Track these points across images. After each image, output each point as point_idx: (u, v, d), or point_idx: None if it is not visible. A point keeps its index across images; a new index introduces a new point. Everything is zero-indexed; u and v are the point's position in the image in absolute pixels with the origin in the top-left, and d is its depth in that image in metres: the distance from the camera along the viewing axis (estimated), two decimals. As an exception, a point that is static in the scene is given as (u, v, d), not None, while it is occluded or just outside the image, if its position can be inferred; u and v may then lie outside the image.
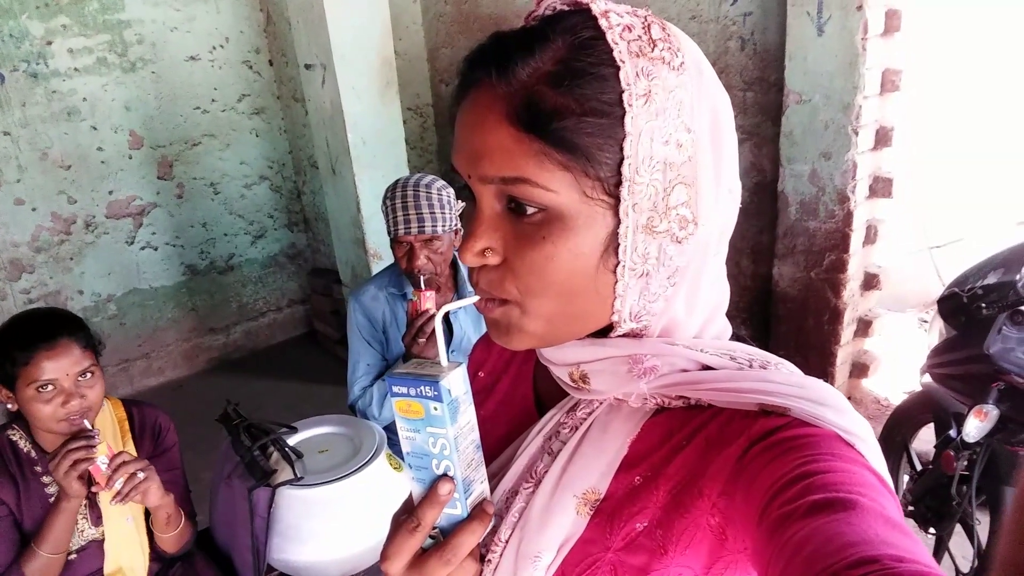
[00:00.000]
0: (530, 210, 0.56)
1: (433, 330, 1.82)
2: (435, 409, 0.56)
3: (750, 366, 0.60)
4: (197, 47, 4.04)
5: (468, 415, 0.59)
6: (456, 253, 0.61)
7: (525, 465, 0.66)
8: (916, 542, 0.46)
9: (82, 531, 1.56)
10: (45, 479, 1.54)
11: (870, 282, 2.98)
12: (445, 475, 0.58)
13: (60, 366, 1.45)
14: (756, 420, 0.57)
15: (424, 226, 1.84)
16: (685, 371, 0.60)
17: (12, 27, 3.46)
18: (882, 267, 2.98)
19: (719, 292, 0.65)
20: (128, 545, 1.61)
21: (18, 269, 3.72)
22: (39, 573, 1.48)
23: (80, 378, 1.49)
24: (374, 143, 3.44)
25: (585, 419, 0.64)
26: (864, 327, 3.06)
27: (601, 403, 0.64)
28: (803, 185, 2.83)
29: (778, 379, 0.58)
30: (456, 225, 1.94)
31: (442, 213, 1.87)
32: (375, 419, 2.03)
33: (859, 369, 3.14)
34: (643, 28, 0.55)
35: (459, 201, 1.95)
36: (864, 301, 3.04)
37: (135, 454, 1.64)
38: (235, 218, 4.39)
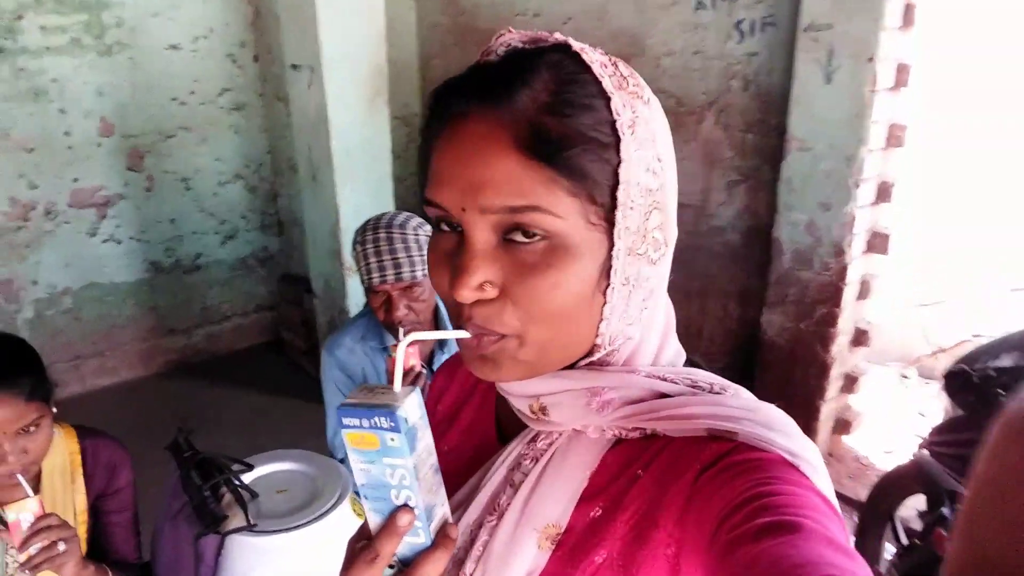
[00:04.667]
0: (532, 238, 0.56)
1: (419, 382, 1.68)
2: (392, 440, 0.54)
3: (711, 390, 0.61)
4: (179, 35, 3.87)
5: (425, 439, 0.57)
6: (455, 291, 0.56)
7: (489, 497, 0.66)
8: (860, 564, 0.46)
9: (13, 571, 1.39)
10: None
11: (859, 338, 2.91)
12: (405, 505, 0.56)
13: None
14: (705, 446, 0.57)
15: (402, 272, 1.67)
16: (641, 401, 0.61)
17: (-18, -2, 3.27)
18: (872, 323, 2.92)
19: (669, 314, 0.68)
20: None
21: (-32, 254, 3.51)
22: None
23: (21, 433, 1.30)
24: (359, 153, 3.30)
25: (546, 450, 0.65)
26: (850, 383, 2.99)
27: (561, 434, 0.64)
28: (799, 234, 2.75)
29: (730, 403, 0.59)
30: None
31: (420, 256, 1.70)
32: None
33: (841, 425, 3.07)
34: (613, 65, 0.58)
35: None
36: (852, 356, 2.97)
37: (84, 493, 1.48)
38: (206, 216, 4.21)
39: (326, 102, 3.13)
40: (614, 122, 0.56)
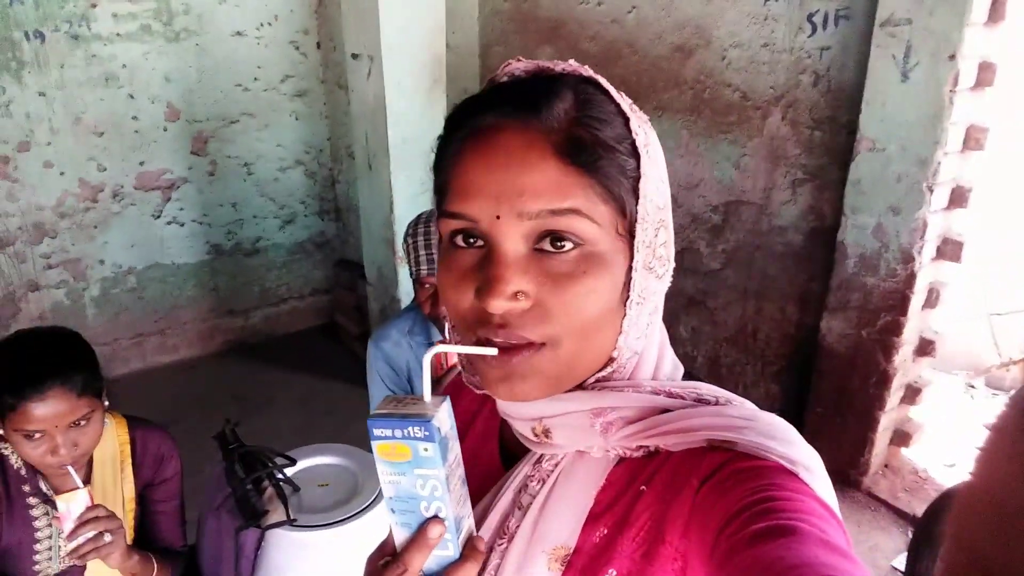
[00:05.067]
0: (566, 246, 0.56)
1: (450, 376, 1.66)
2: (425, 450, 0.53)
3: (715, 403, 0.62)
4: (244, 23, 3.92)
5: (455, 450, 0.57)
6: (486, 302, 0.55)
7: (498, 521, 0.66)
8: (856, 564, 0.46)
9: (63, 558, 1.44)
10: (32, 500, 1.42)
11: (924, 348, 2.77)
12: (435, 517, 0.56)
13: (49, 417, 1.29)
14: (705, 458, 0.58)
15: None
16: (642, 419, 0.61)
17: (57, -14, 3.37)
18: (939, 333, 2.78)
19: (663, 328, 0.69)
20: (108, 573, 1.49)
21: (41, 233, 3.65)
22: None
23: (73, 426, 1.33)
24: (415, 142, 3.29)
25: (552, 471, 0.65)
26: (912, 394, 2.86)
27: (565, 455, 0.65)
28: (866, 238, 2.63)
29: (730, 413, 0.60)
30: None
31: None
32: None
33: (900, 437, 2.94)
34: (617, 90, 0.61)
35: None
36: (915, 367, 2.83)
37: (132, 481, 1.51)
38: (266, 201, 4.28)
39: (384, 91, 3.14)
40: (633, 140, 0.59)
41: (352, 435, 1.86)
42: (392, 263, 3.46)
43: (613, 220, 0.58)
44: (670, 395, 0.62)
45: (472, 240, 0.59)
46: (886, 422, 2.85)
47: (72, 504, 1.30)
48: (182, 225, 4.03)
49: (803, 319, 3.04)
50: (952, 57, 2.24)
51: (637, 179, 0.59)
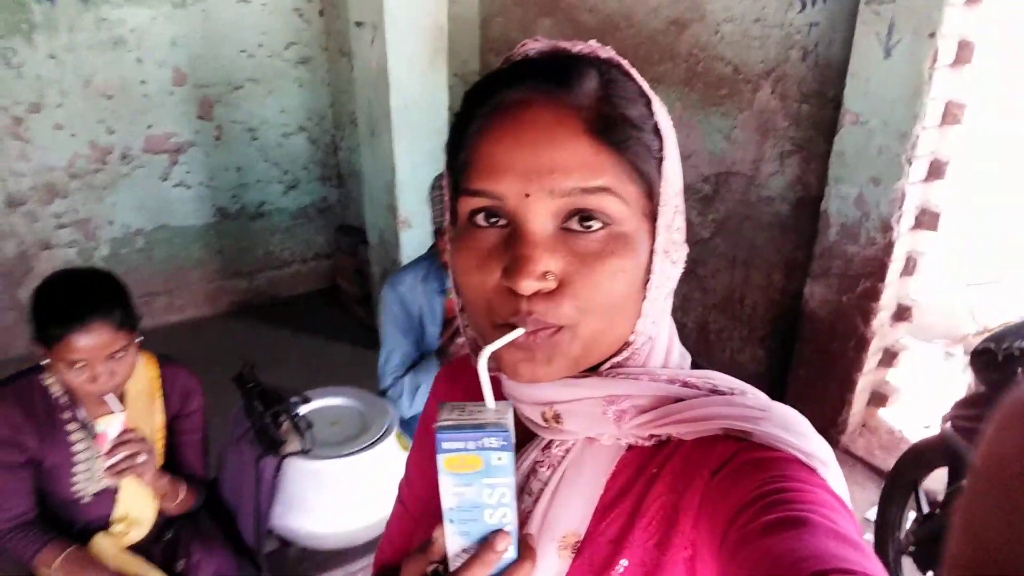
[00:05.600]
0: (594, 226, 0.56)
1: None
2: (499, 459, 0.52)
3: (731, 393, 0.61)
4: (249, -11, 3.99)
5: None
6: (515, 282, 0.54)
7: None
8: (868, 556, 0.46)
9: (99, 479, 1.58)
10: (70, 427, 1.56)
11: (902, 314, 2.92)
12: (499, 529, 0.54)
13: (91, 348, 1.41)
14: (718, 446, 0.57)
15: None
16: (654, 408, 0.61)
17: (67, -50, 3.44)
18: (916, 300, 2.92)
19: (671, 319, 0.69)
20: (138, 497, 1.63)
21: (52, 193, 3.75)
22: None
23: (111, 357, 1.45)
24: (417, 109, 3.39)
25: (563, 457, 0.64)
26: (889, 357, 3.01)
27: (576, 441, 0.64)
28: (848, 208, 2.76)
29: (745, 403, 0.59)
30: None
31: None
32: (404, 409, 2.01)
33: (878, 398, 3.10)
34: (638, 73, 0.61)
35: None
36: (893, 331, 2.98)
37: (162, 413, 1.65)
38: (270, 166, 4.38)
39: (387, 58, 3.23)
40: (656, 121, 0.58)
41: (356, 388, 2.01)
42: (394, 227, 3.57)
43: (640, 201, 0.57)
44: (685, 384, 0.62)
45: (494, 219, 0.57)
46: (864, 384, 3.00)
47: (110, 427, 1.44)
48: (189, 188, 4.14)
49: (788, 286, 3.18)
50: (932, 35, 2.36)
51: (661, 160, 0.58)
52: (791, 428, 0.57)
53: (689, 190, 3.54)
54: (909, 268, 2.84)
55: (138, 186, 3.97)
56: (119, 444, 1.43)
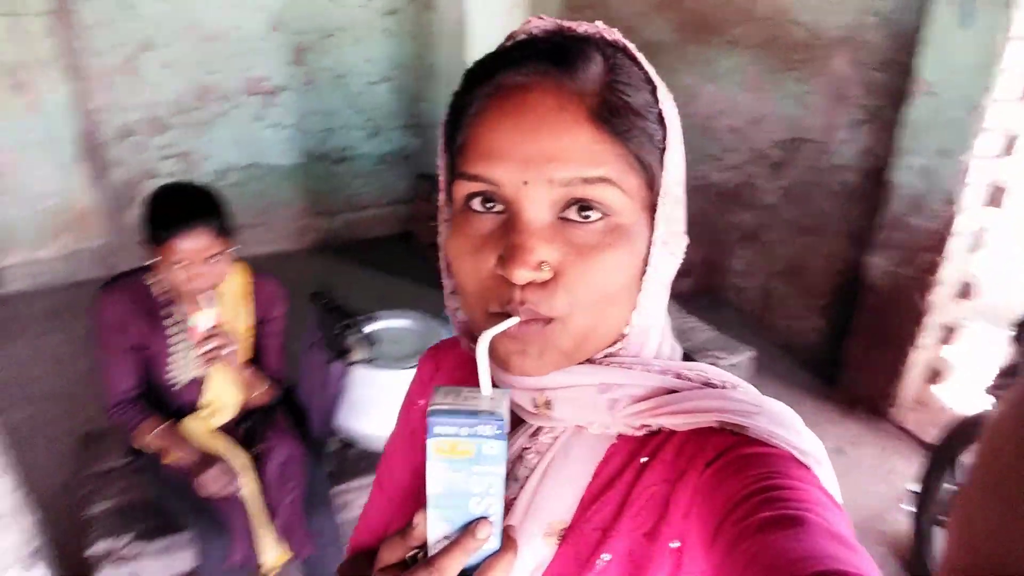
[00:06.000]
0: (592, 216, 0.55)
1: None
2: (491, 448, 0.51)
3: (724, 387, 0.61)
4: (344, -59, 4.18)
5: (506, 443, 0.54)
6: (509, 271, 0.54)
7: None
8: (862, 555, 0.47)
9: (191, 368, 1.82)
10: (168, 321, 1.80)
11: (964, 291, 2.91)
12: (482, 516, 0.53)
13: (192, 249, 1.63)
14: (711, 439, 0.57)
15: None
16: (649, 398, 0.60)
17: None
18: (978, 276, 2.90)
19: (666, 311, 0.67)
20: (224, 386, 1.87)
21: (157, 128, 4.07)
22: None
23: (209, 260, 1.66)
24: (495, 63, 3.51)
25: (550, 444, 0.63)
26: (947, 334, 3.00)
27: (564, 430, 0.63)
28: (913, 179, 2.76)
29: (739, 398, 0.58)
30: None
31: None
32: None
33: (932, 374, 3.10)
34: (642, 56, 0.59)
35: None
36: (955, 308, 2.97)
37: (250, 315, 1.88)
38: (355, 113, 4.60)
39: (466, 10, 3.35)
40: (660, 110, 0.57)
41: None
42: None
43: (640, 191, 0.56)
44: (678, 376, 0.61)
45: (490, 204, 0.56)
46: (918, 359, 3.01)
47: (202, 320, 1.66)
48: (281, 129, 4.41)
49: (852, 256, 3.19)
50: (1008, 5, 2.33)
51: (663, 150, 0.57)
52: (785, 424, 0.56)
53: (758, 154, 3.56)
54: (974, 244, 2.82)
55: (234, 125, 4.26)
56: (209, 336, 1.66)
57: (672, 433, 0.60)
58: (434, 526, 0.54)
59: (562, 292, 0.55)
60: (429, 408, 0.51)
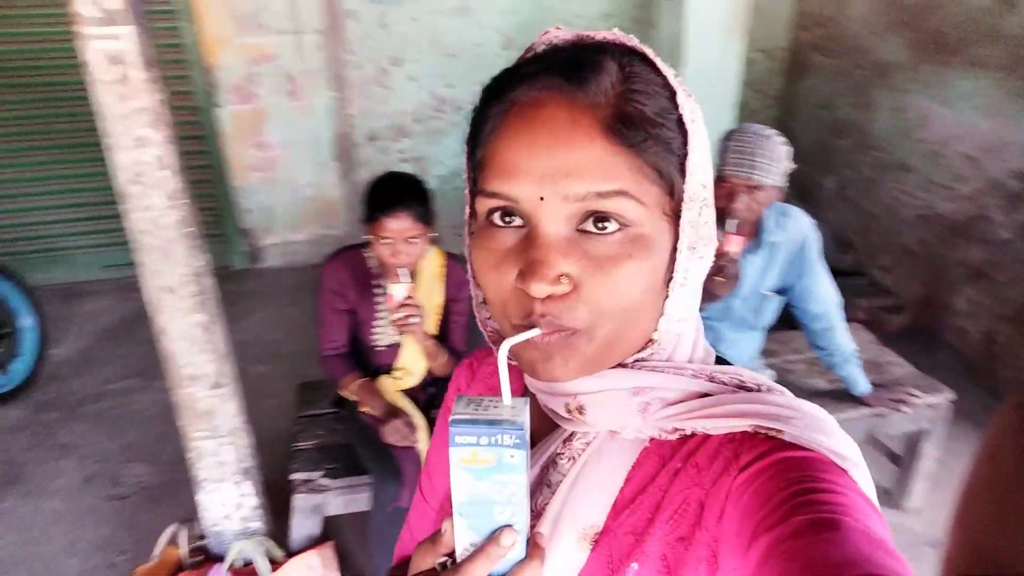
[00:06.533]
0: (610, 228, 0.55)
1: (730, 269, 1.96)
2: (511, 457, 0.52)
3: (759, 389, 0.61)
4: (577, -36, 4.43)
5: (529, 452, 0.55)
6: (528, 285, 0.55)
7: None
8: (901, 561, 0.46)
9: (391, 333, 2.12)
10: (376, 291, 2.11)
11: None
12: (507, 524, 0.54)
13: (395, 229, 1.91)
14: (746, 443, 0.57)
15: (754, 173, 1.94)
16: (680, 401, 0.60)
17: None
18: None
19: (698, 315, 0.67)
20: (414, 354, 2.15)
21: (399, 133, 4.61)
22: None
23: (408, 240, 1.94)
24: (708, 79, 3.55)
25: (583, 450, 0.63)
26: None
27: (597, 434, 0.63)
28: None
29: (775, 401, 0.58)
30: (782, 183, 1.97)
31: (775, 166, 1.95)
32: None
33: None
34: (662, 61, 0.59)
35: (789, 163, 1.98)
36: None
37: (442, 293, 2.14)
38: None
39: (684, 26, 3.43)
40: (680, 115, 0.57)
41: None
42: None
43: (660, 200, 0.56)
44: (711, 379, 0.61)
45: (510, 219, 0.57)
46: None
47: (397, 292, 1.93)
48: (503, 138, 4.77)
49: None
50: None
51: (684, 156, 0.57)
52: (821, 428, 0.56)
53: (995, 185, 3.26)
54: None
55: (464, 135, 4.67)
56: (401, 306, 1.93)
57: (706, 437, 0.59)
58: (460, 534, 0.55)
59: (582, 304, 0.55)
60: (450, 418, 0.52)
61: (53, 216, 4.36)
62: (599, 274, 0.55)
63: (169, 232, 1.77)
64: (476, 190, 0.59)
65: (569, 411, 0.62)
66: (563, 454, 0.64)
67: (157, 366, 2.16)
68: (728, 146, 1.99)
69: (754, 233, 2.15)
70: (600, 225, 0.55)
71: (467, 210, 0.65)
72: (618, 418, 0.61)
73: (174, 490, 2.77)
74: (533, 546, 0.56)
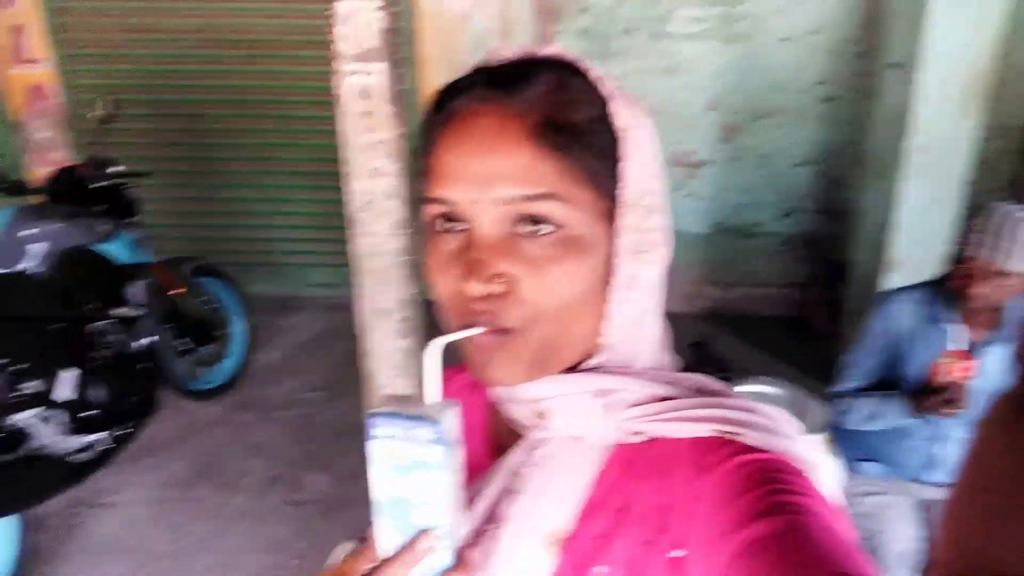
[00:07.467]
0: (544, 230, 0.57)
1: (958, 397, 1.82)
2: (431, 454, 0.52)
3: (715, 394, 0.62)
4: (794, 29, 4.31)
5: (458, 456, 0.55)
6: (465, 285, 0.58)
7: (487, 506, 0.64)
8: (863, 560, 0.48)
9: None
10: None
11: None
12: (429, 527, 0.54)
13: None
14: (707, 447, 0.58)
15: (1007, 259, 1.78)
16: (644, 404, 0.61)
17: (651, -8, 4.24)
18: None
19: (662, 323, 0.68)
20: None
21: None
22: None
23: None
24: (937, 153, 3.30)
25: (547, 457, 0.64)
26: None
27: (561, 441, 0.64)
28: None
29: (734, 405, 0.60)
30: None
31: None
32: (847, 422, 2.08)
33: None
34: (604, 75, 0.62)
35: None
36: None
37: None
38: (772, 192, 4.67)
39: (914, 99, 3.22)
40: (612, 123, 0.60)
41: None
42: (879, 268, 3.54)
43: (595, 203, 0.58)
44: (669, 383, 0.62)
45: (453, 224, 0.60)
46: None
47: None
48: (697, 200, 4.69)
49: None
50: None
51: (617, 162, 0.59)
52: (779, 430, 0.58)
53: None
54: None
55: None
56: None
57: (670, 441, 0.60)
58: (384, 535, 0.55)
59: (518, 304, 0.58)
60: (372, 411, 0.52)
61: (275, 234, 4.83)
62: (533, 274, 0.57)
63: (389, 258, 1.87)
64: (421, 198, 0.62)
65: (532, 418, 0.64)
66: (527, 462, 0.64)
67: (345, 382, 2.28)
68: (979, 225, 1.82)
69: (995, 322, 1.95)
70: (533, 228, 0.57)
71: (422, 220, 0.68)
72: (581, 422, 0.62)
73: (350, 505, 2.88)
74: (464, 559, 0.56)
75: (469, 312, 0.58)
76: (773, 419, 0.59)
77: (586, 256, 0.58)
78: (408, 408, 0.53)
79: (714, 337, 2.24)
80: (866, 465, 2.09)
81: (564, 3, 4.31)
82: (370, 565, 0.55)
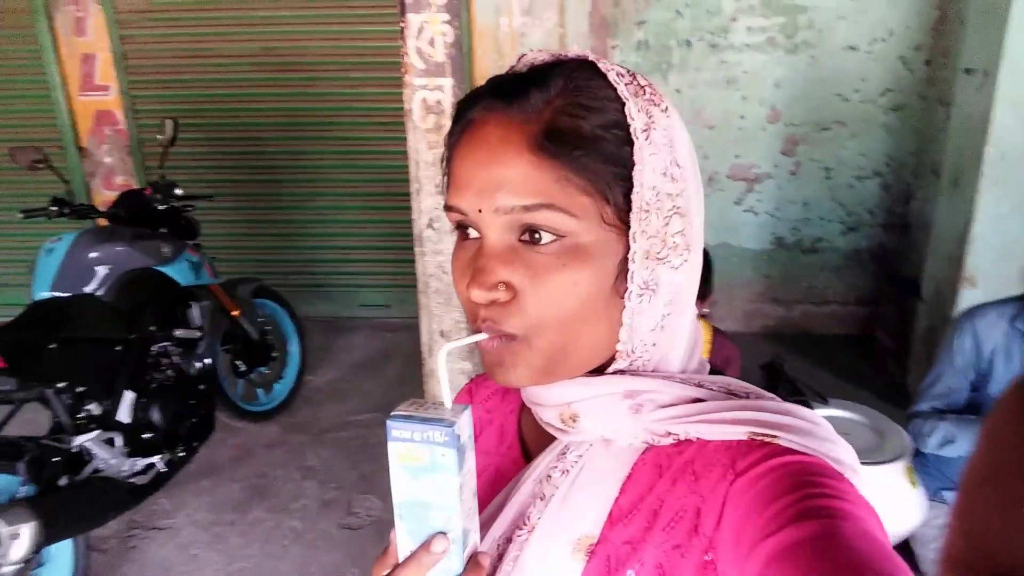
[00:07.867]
0: (546, 238, 0.57)
1: None
2: (442, 456, 0.53)
3: (748, 396, 0.61)
4: (858, 37, 4.17)
5: (471, 461, 0.56)
6: (470, 292, 0.59)
7: (517, 511, 0.65)
8: (900, 565, 0.46)
9: None
10: None
11: None
12: (441, 531, 0.55)
13: None
14: (743, 450, 0.56)
15: None
16: (674, 405, 0.61)
17: (709, 3, 4.14)
18: None
19: (696, 328, 0.67)
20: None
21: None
22: None
23: None
24: (1017, 160, 3.13)
25: (576, 462, 0.63)
26: None
27: (592, 444, 0.64)
28: None
29: (768, 407, 0.58)
30: None
31: None
32: (928, 445, 1.97)
33: None
34: (630, 76, 0.60)
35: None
36: None
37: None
38: (836, 205, 4.51)
39: (993, 105, 3.06)
40: (628, 126, 0.58)
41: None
42: (955, 283, 3.36)
43: (597, 210, 0.57)
44: (700, 386, 0.62)
45: (468, 231, 0.61)
46: None
47: None
48: (756, 215, 4.55)
49: None
50: None
51: (630, 167, 0.57)
52: (816, 433, 0.57)
53: None
54: None
55: (714, 206, 4.52)
56: None
57: (701, 444, 0.59)
58: (402, 539, 0.56)
59: (519, 312, 0.58)
60: (391, 413, 0.54)
61: (327, 255, 4.85)
62: (535, 284, 0.57)
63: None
64: (443, 206, 0.63)
65: (563, 421, 0.63)
66: (557, 467, 0.64)
67: (398, 403, 2.22)
68: None
69: None
70: (535, 236, 0.57)
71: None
72: (611, 424, 0.61)
73: (404, 530, 2.83)
74: (474, 564, 0.56)
75: (476, 316, 0.60)
76: (809, 422, 0.58)
77: (591, 264, 0.58)
78: (424, 411, 0.54)
79: (784, 358, 2.11)
80: (949, 495, 1.96)
81: (621, 17, 4.25)
82: (387, 570, 0.56)
